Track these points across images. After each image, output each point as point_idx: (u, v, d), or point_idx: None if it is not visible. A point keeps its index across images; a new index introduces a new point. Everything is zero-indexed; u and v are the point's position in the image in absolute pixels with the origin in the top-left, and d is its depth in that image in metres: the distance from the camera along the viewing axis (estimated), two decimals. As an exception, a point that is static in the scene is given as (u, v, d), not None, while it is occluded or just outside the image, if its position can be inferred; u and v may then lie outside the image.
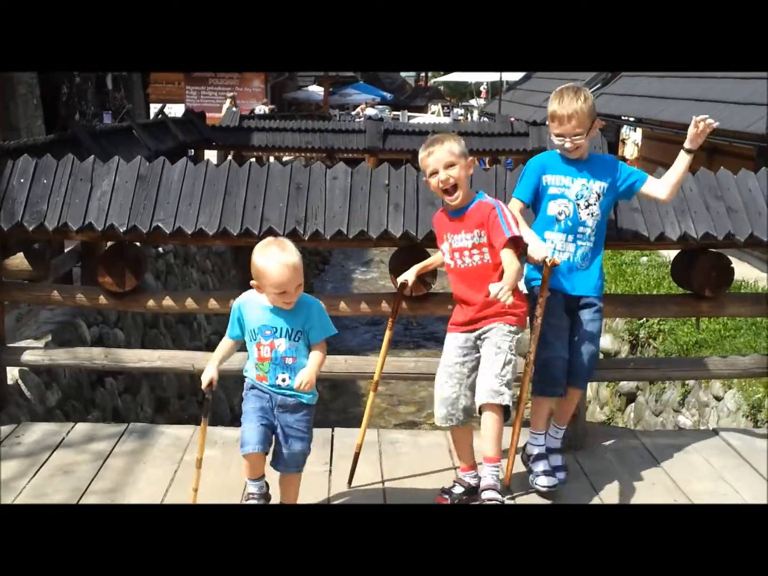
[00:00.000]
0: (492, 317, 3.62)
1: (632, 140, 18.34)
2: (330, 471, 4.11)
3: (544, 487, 3.79)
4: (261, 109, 26.33)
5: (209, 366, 3.37)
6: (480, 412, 3.57)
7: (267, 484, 3.49)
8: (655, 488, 3.97)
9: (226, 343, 3.46)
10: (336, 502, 3.80)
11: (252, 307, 3.36)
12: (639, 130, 17.75)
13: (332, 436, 4.48)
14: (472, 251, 3.63)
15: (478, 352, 3.67)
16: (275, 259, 3.21)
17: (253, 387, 3.39)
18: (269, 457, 3.41)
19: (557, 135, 3.76)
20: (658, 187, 3.87)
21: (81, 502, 3.74)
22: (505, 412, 3.53)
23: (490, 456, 3.55)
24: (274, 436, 3.36)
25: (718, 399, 7.38)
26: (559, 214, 3.81)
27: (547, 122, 3.90)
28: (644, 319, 9.02)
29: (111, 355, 4.72)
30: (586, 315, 3.88)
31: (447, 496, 3.76)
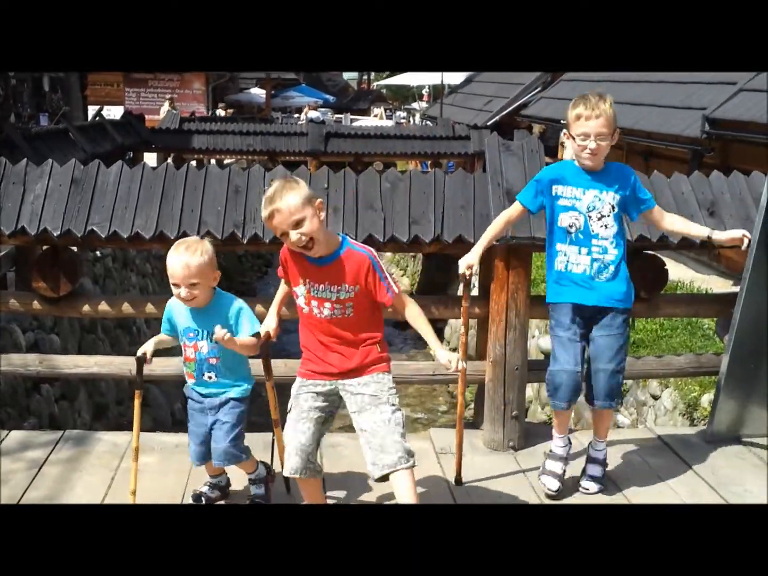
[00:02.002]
0: (359, 372, 3.30)
1: (571, 144, 18.55)
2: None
3: (544, 486, 3.92)
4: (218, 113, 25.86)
5: (147, 344, 3.57)
6: (383, 478, 3.19)
7: (228, 480, 3.83)
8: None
9: (160, 335, 3.63)
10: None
11: (179, 309, 3.49)
12: (578, 134, 17.95)
13: (273, 440, 4.44)
14: (335, 305, 3.24)
15: (333, 405, 3.38)
16: (176, 254, 3.33)
17: (188, 398, 3.59)
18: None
19: (580, 135, 3.65)
20: (665, 217, 3.91)
21: (14, 511, 3.66)
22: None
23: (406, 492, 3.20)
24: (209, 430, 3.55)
25: (656, 398, 7.50)
26: (570, 226, 3.73)
27: (564, 130, 3.81)
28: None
29: (46, 361, 4.64)
30: (604, 326, 3.80)
31: None
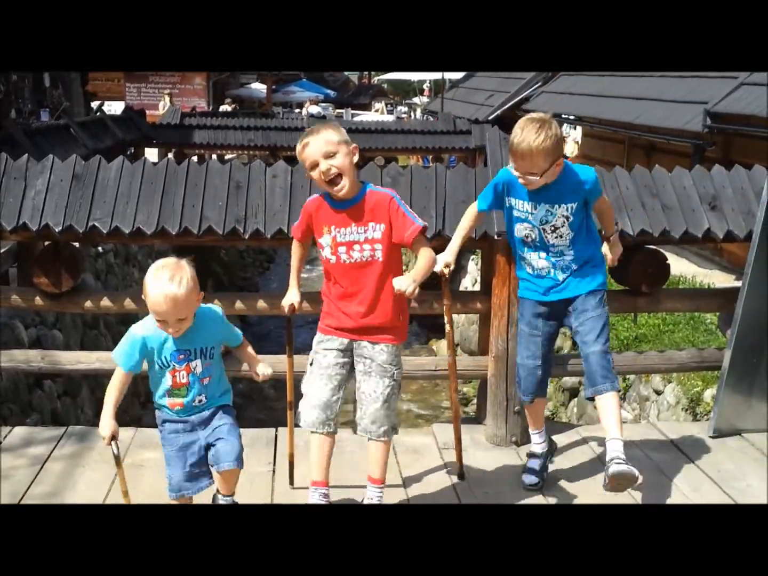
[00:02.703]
0: (374, 334, 3.42)
1: (572, 138, 18.53)
2: (273, 471, 4.10)
3: (524, 484, 3.97)
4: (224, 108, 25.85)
5: (106, 418, 3.04)
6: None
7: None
8: (596, 482, 4.01)
9: (120, 381, 3.14)
10: (279, 502, 3.78)
11: (158, 333, 3.09)
12: (579, 128, 17.96)
13: (276, 436, 4.46)
14: (364, 246, 3.35)
15: (352, 359, 3.48)
16: (159, 286, 2.96)
17: (165, 421, 3.21)
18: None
19: (516, 169, 3.54)
20: (605, 211, 3.85)
21: (17, 507, 3.66)
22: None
23: (376, 478, 3.55)
24: (204, 448, 3.21)
25: (658, 393, 7.51)
26: (526, 237, 3.69)
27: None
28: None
29: (48, 357, 4.64)
30: (580, 312, 3.72)
31: None
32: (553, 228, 3.62)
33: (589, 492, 3.94)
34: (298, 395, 3.57)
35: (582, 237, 3.69)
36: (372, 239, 3.35)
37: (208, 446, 3.20)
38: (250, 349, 3.35)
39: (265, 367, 3.30)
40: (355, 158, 3.35)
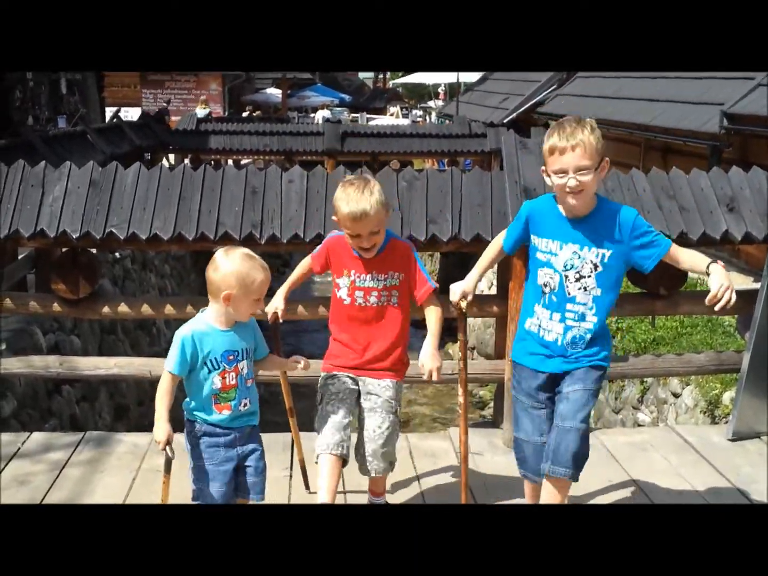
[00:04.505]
0: (379, 371, 3.44)
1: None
2: (291, 476, 4.10)
3: None
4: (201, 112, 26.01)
5: (161, 423, 2.96)
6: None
7: None
8: (613, 485, 4.00)
9: (171, 385, 3.04)
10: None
11: (208, 335, 3.04)
12: (595, 131, 17.89)
13: (293, 440, 4.45)
14: (382, 292, 3.38)
15: (359, 390, 3.48)
16: (255, 264, 3.00)
17: (205, 434, 3.09)
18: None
19: (557, 172, 3.03)
20: (681, 255, 3.19)
21: (36, 513, 3.68)
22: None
23: (379, 491, 3.70)
24: (235, 468, 3.13)
25: (676, 396, 7.46)
26: (545, 285, 3.17)
27: (543, 165, 3.13)
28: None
29: (66, 362, 4.67)
30: (578, 380, 3.19)
31: None
32: (577, 276, 3.12)
33: (606, 494, 3.92)
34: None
35: (606, 305, 3.17)
36: (391, 286, 3.40)
37: (238, 467, 3.12)
38: (274, 355, 3.34)
39: (297, 357, 3.28)
40: (389, 215, 3.39)
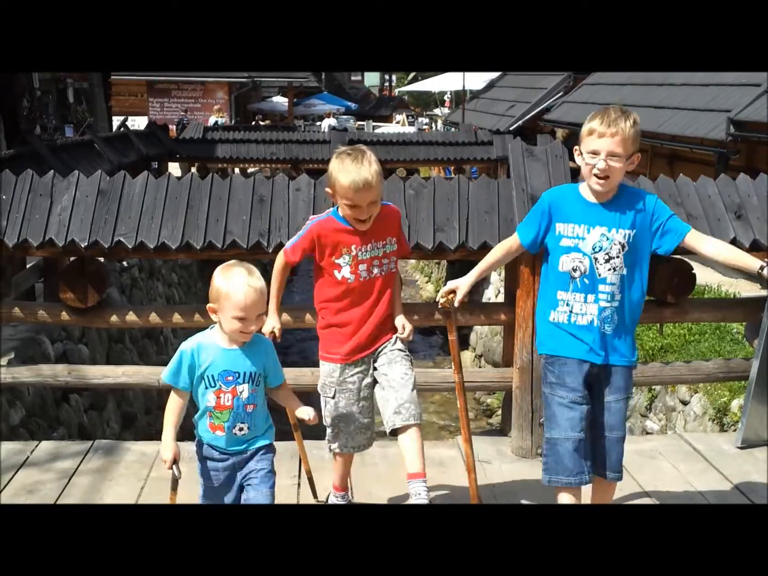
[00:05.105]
0: (385, 334, 3.50)
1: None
2: (299, 484, 4.10)
3: None
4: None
5: (167, 440, 2.95)
6: (396, 432, 3.44)
7: None
8: (622, 493, 3.99)
9: (177, 402, 3.04)
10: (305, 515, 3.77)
11: (208, 350, 3.01)
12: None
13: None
14: (383, 260, 3.42)
15: (373, 376, 3.51)
16: (241, 279, 2.92)
17: (205, 458, 3.09)
18: None
19: (590, 152, 3.12)
20: (705, 242, 3.31)
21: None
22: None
23: (419, 471, 3.41)
24: (239, 488, 3.11)
25: (685, 403, 7.44)
26: (574, 270, 3.19)
27: (577, 144, 3.22)
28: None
29: (74, 371, 4.68)
30: (617, 389, 3.26)
31: None
32: (606, 257, 3.17)
33: (615, 502, 3.90)
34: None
35: (636, 283, 3.24)
36: (390, 252, 3.46)
37: (241, 487, 3.10)
38: (290, 391, 3.26)
39: (308, 410, 3.14)
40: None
